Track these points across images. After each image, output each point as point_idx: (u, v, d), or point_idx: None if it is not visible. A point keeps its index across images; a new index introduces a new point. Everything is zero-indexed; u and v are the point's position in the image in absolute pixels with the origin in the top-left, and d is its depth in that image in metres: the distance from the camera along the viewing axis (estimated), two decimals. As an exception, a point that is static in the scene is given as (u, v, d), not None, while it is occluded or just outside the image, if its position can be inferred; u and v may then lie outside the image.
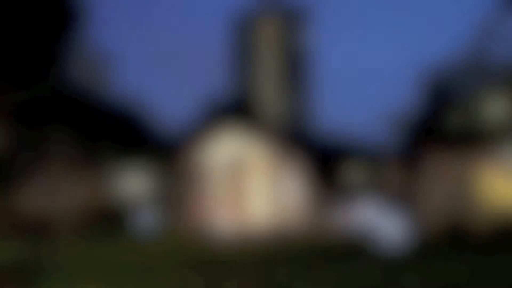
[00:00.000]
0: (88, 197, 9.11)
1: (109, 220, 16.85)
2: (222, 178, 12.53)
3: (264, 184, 12.23)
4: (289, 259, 3.18)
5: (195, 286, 2.25)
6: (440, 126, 24.87)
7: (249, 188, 11.75)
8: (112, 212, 24.12)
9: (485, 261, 2.85)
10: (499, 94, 24.76)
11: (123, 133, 24.61)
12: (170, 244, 4.89)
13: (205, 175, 12.57)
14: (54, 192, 7.97)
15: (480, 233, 5.41)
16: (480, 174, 5.36)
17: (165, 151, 28.92)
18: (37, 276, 2.50)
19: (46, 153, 7.54)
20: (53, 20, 8.25)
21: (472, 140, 24.16)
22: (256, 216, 11.44)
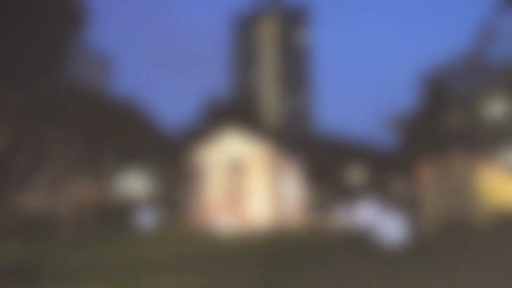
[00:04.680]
0: (89, 196, 9.15)
1: (112, 218, 16.84)
2: (222, 177, 12.58)
3: (264, 184, 12.28)
4: (288, 256, 3.23)
5: (197, 281, 2.29)
6: (439, 127, 24.93)
7: (249, 187, 11.78)
8: (114, 211, 24.19)
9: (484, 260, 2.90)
10: (499, 94, 24.79)
11: (125, 133, 24.67)
12: (172, 241, 4.93)
13: (206, 173, 12.62)
14: (55, 191, 8.01)
15: (478, 231, 5.46)
16: (479, 175, 5.41)
17: (167, 150, 29.09)
18: (37, 276, 2.53)
19: (47, 152, 7.57)
20: (56, 20, 8.28)
21: (471, 140, 24.22)
22: (256, 214, 11.48)
